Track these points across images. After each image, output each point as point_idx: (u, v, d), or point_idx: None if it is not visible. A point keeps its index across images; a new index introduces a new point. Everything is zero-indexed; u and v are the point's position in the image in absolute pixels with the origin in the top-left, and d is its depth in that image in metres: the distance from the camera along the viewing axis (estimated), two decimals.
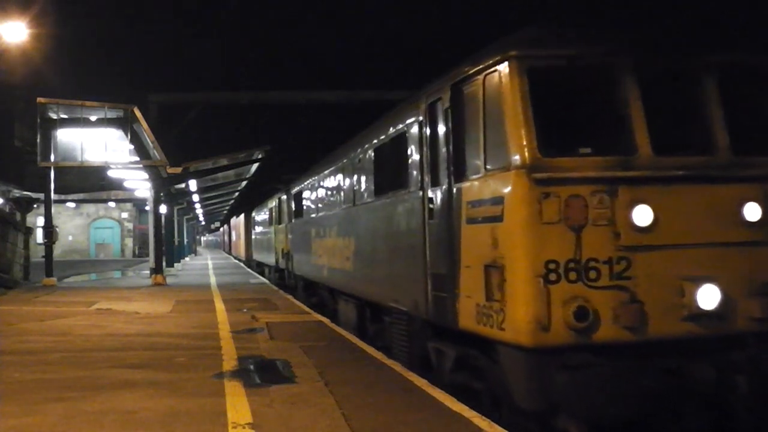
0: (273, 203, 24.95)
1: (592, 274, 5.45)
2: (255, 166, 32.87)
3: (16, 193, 27.42)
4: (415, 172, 7.78)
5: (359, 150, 10.78)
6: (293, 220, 18.96)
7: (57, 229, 23.99)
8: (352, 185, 11.21)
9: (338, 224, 12.24)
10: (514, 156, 5.61)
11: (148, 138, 22.42)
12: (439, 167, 7.10)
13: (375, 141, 9.86)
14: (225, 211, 69.04)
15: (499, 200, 5.76)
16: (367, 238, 10.11)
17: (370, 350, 9.14)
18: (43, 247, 23.31)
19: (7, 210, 25.50)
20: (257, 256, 33.32)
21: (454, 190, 6.65)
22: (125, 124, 22.33)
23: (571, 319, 5.32)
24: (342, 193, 12.06)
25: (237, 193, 48.32)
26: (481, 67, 6.20)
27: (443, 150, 6.97)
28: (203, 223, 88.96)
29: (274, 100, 30.61)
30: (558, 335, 5.37)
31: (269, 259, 26.45)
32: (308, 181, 16.12)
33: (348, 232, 11.34)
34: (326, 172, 13.72)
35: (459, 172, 6.61)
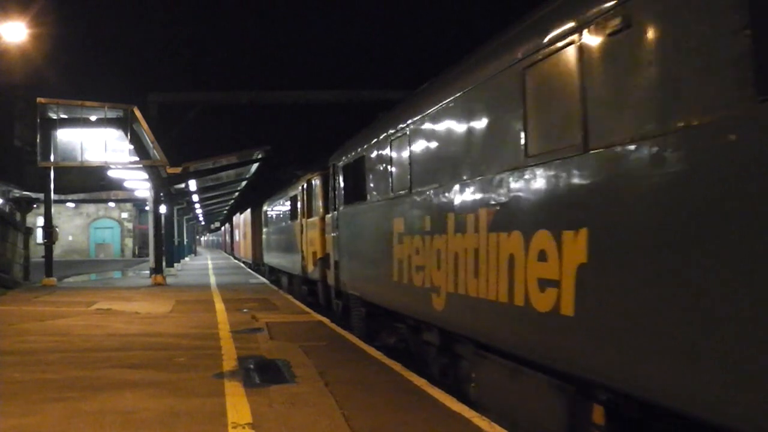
0: (298, 189, 18.38)
1: None
2: (255, 165, 32.89)
3: (16, 193, 27.43)
4: None
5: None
6: (342, 209, 12.09)
7: (57, 229, 23.99)
8: (576, 107, 4.58)
9: (502, 208, 5.66)
10: None
11: (148, 138, 22.44)
12: None
13: None
14: (225, 211, 69.05)
15: None
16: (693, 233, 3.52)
17: (371, 350, 9.14)
18: (43, 247, 23.31)
19: (7, 210, 25.51)
20: (270, 260, 26.87)
21: None
22: (125, 124, 22.36)
23: None
24: (501, 141, 5.76)
25: (237, 193, 48.36)
26: None
27: None
28: (203, 223, 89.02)
29: (273, 100, 30.74)
30: None
31: (290, 264, 20.27)
32: (380, 138, 9.49)
33: (552, 221, 4.89)
34: (442, 105, 7.11)
35: None
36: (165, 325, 11.92)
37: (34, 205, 27.43)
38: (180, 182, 28.47)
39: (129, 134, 22.33)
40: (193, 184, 32.39)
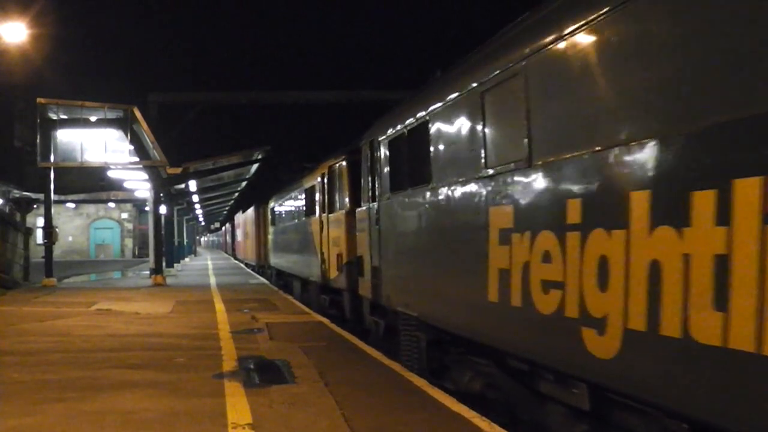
0: (315, 180, 15.55)
1: None
2: (255, 166, 32.90)
3: (16, 193, 27.43)
4: None
5: None
6: (387, 198, 9.19)
7: (57, 229, 23.99)
8: None
9: None
10: None
11: (148, 138, 22.45)
12: None
13: None
14: (225, 211, 69.08)
15: None
16: None
17: (371, 351, 9.13)
18: (43, 247, 23.32)
19: (7, 210, 25.52)
20: (278, 262, 23.91)
21: None
22: (125, 124, 22.37)
23: None
24: None
25: (237, 193, 48.41)
26: None
27: None
28: (203, 223, 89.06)
29: (273, 100, 30.78)
30: None
31: (305, 268, 17.34)
32: (462, 92, 6.58)
33: None
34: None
35: None
36: (165, 325, 11.91)
37: (34, 206, 27.42)
38: (180, 182, 28.49)
39: (129, 135, 22.34)
40: (193, 185, 32.41)
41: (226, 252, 72.45)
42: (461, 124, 6.60)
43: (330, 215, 14.01)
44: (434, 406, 6.07)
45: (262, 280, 26.32)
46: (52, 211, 23.23)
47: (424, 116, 7.62)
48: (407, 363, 8.32)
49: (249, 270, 34.41)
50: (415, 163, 7.97)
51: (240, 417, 5.65)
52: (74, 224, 54.66)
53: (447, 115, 6.97)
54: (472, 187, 6.31)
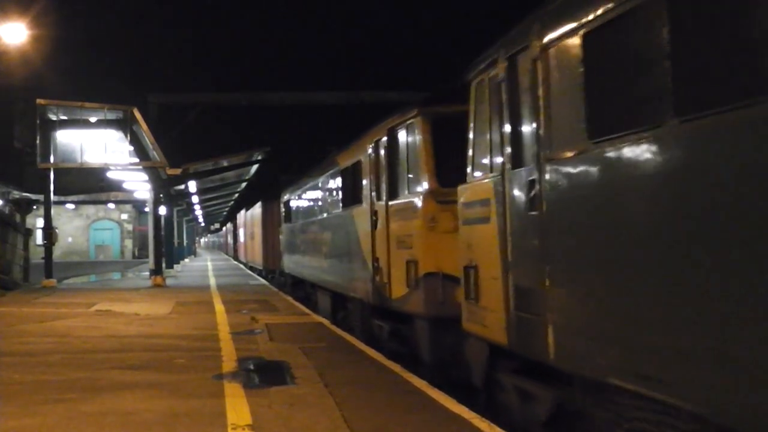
0: (363, 154, 11.00)
1: None
2: (255, 166, 32.89)
3: (16, 194, 27.43)
4: None
5: None
6: (573, 157, 4.47)
7: (56, 230, 23.99)
8: None
9: None
10: None
11: (148, 139, 22.46)
12: None
13: None
14: (225, 212, 69.06)
15: None
16: None
17: (370, 351, 9.14)
18: (42, 248, 23.32)
19: (7, 211, 25.52)
20: (295, 268, 19.28)
21: None
22: (125, 125, 22.37)
23: None
24: None
25: (237, 194, 48.42)
26: None
27: None
28: (203, 224, 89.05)
29: (273, 101, 30.81)
30: None
31: (340, 278, 12.73)
32: None
33: None
34: None
35: None
36: (165, 326, 11.92)
37: (34, 207, 27.43)
38: (180, 183, 28.49)
39: (129, 135, 22.34)
40: (192, 186, 32.40)
41: (226, 253, 72.39)
42: None
43: (391, 203, 9.54)
44: (434, 407, 6.07)
45: (262, 281, 26.29)
46: (52, 212, 23.23)
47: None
48: None
49: (249, 271, 34.39)
50: (688, 64, 3.42)
51: (240, 418, 5.65)
52: (74, 225, 54.68)
53: None
54: None
